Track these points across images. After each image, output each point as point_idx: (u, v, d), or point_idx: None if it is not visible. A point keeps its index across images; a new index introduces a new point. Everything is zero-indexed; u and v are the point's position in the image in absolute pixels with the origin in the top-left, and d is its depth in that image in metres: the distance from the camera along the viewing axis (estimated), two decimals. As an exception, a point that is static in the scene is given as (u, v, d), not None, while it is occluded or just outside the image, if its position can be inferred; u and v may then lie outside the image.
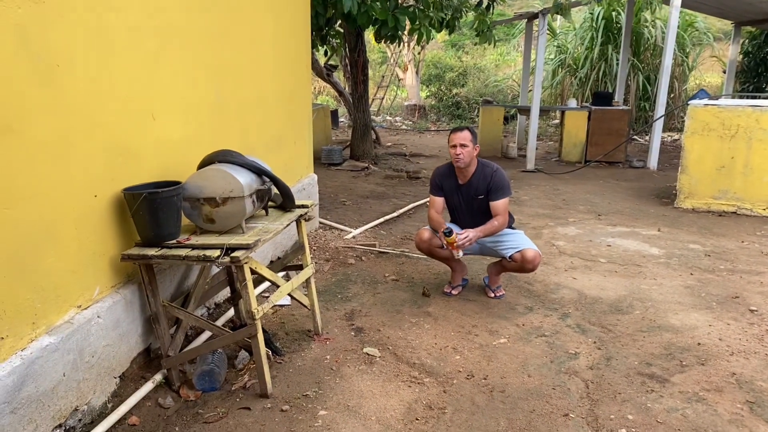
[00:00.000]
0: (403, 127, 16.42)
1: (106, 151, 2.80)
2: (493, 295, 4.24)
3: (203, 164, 3.14)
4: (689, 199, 6.84)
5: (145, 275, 2.94)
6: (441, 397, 2.96)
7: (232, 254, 2.75)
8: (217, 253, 2.77)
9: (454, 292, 4.31)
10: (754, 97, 8.15)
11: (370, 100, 11.57)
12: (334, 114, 14.85)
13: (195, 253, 2.79)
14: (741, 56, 12.11)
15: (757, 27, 11.25)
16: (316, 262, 4.87)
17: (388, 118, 17.97)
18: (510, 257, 4.02)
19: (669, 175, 8.86)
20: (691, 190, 6.82)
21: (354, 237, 5.68)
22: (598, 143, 9.85)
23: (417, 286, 4.43)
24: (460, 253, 3.92)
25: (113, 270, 2.91)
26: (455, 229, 4.01)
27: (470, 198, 4.06)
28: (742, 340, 3.57)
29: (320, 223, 6.04)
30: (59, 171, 2.51)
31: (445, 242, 3.87)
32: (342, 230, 5.87)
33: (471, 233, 3.82)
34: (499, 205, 3.96)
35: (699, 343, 3.53)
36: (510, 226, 4.14)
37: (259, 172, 3.17)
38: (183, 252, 2.80)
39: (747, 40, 11.97)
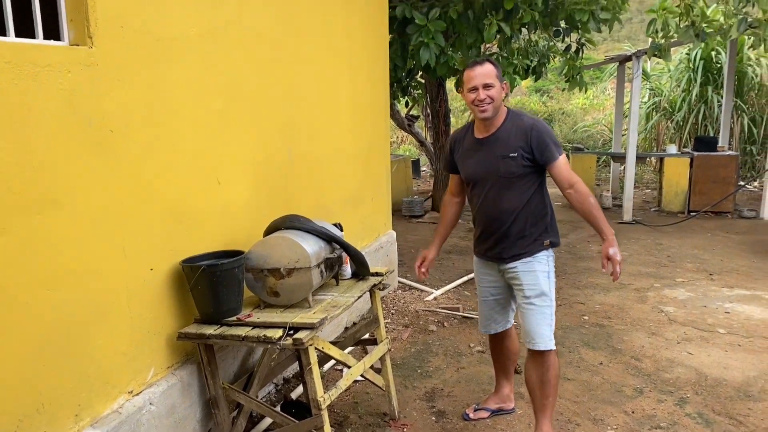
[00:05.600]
0: (487, 175, 16.00)
1: (165, 220, 2.59)
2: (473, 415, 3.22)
3: (269, 231, 2.89)
4: (818, 256, 6.01)
5: (203, 355, 2.67)
6: None
7: (295, 335, 2.44)
8: (279, 333, 2.46)
9: (472, 415, 3.23)
10: None
11: (452, 150, 11.24)
12: (416, 164, 14.62)
13: (255, 332, 2.50)
14: None
15: None
16: (393, 329, 4.50)
17: (471, 166, 17.59)
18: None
19: (788, 227, 7.95)
20: (821, 245, 5.98)
21: (435, 298, 5.28)
22: (703, 192, 9.02)
23: (506, 359, 3.96)
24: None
25: (170, 349, 2.66)
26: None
27: (494, 159, 2.76)
28: None
29: (399, 282, 5.68)
30: (111, 244, 2.30)
31: None
32: (422, 291, 5.49)
33: (612, 249, 2.75)
34: (561, 166, 2.72)
35: None
36: (551, 242, 2.87)
37: (328, 238, 2.87)
38: (242, 331, 2.52)
39: None
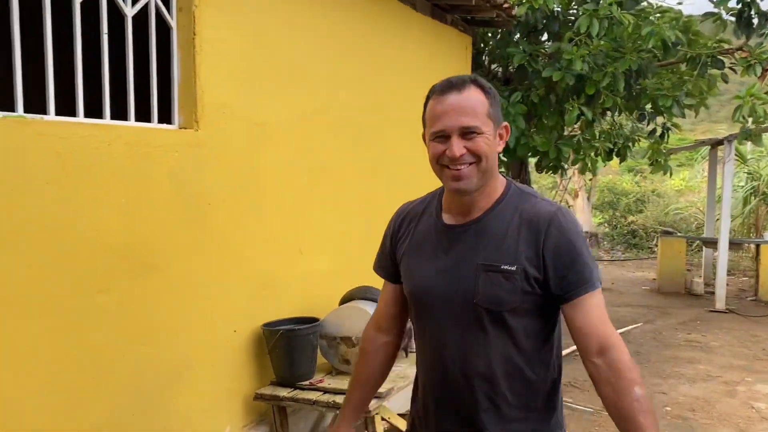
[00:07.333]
0: (573, 255, 15.64)
1: (251, 286, 2.81)
2: None
3: (344, 300, 3.05)
4: None
5: (276, 416, 2.81)
6: None
7: (363, 403, 2.53)
8: (347, 400, 2.56)
9: None
10: None
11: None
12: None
13: (325, 398, 2.63)
14: None
15: None
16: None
17: (556, 245, 17.30)
18: None
19: None
20: None
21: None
22: (805, 282, 8.50)
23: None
24: None
25: (245, 409, 2.82)
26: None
27: (471, 269, 1.40)
28: None
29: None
30: (201, 306, 2.53)
31: None
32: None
33: None
34: (592, 306, 1.37)
35: None
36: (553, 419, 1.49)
37: (399, 311, 2.98)
38: (314, 396, 2.66)
39: None
